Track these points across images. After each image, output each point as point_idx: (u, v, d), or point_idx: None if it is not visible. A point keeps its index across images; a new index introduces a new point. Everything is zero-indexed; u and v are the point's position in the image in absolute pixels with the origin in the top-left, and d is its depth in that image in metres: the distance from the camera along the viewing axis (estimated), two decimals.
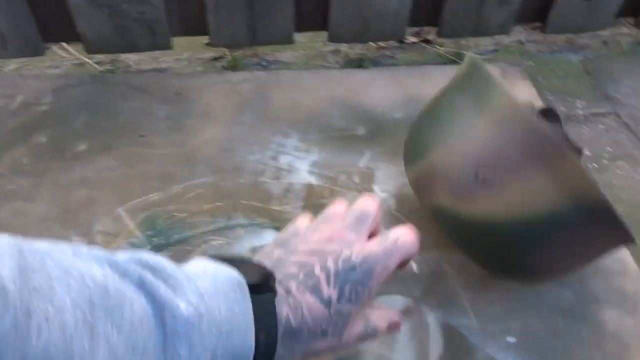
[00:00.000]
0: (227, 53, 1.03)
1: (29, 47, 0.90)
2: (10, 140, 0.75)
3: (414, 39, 1.13)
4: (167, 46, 0.92)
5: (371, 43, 1.10)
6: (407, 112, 0.85)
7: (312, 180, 0.72)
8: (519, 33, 1.18)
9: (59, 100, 0.83)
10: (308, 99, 0.87)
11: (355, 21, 0.95)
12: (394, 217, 0.68)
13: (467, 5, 0.98)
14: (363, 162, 0.76)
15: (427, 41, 1.13)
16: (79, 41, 0.92)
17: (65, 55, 1.04)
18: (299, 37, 0.99)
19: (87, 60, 1.03)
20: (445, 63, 1.08)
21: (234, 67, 1.00)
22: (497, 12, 1.00)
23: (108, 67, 1.01)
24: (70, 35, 0.91)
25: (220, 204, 0.67)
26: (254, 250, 0.62)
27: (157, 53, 1.00)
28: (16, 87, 0.85)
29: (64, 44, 1.05)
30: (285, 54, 1.05)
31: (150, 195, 0.67)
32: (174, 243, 0.62)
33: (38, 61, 1.01)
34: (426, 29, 1.14)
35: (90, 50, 0.91)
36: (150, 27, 0.90)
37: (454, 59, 1.08)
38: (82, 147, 0.75)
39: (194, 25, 0.94)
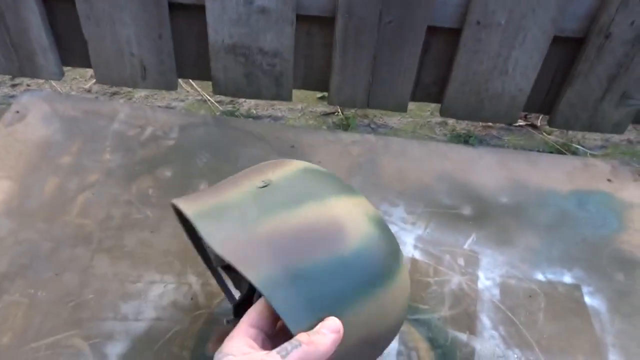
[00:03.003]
0: (339, 111, 1.06)
1: (165, 81, 0.97)
2: (138, 170, 0.81)
3: (520, 122, 1.13)
4: (288, 97, 0.97)
5: None
6: (513, 198, 0.85)
7: (417, 255, 0.73)
8: (628, 131, 1.16)
9: (185, 137, 0.88)
10: (416, 170, 0.88)
11: (471, 100, 0.96)
12: (496, 308, 0.67)
13: (585, 100, 0.97)
14: (468, 244, 0.75)
15: (533, 126, 1.13)
16: (208, 80, 0.98)
17: (190, 91, 1.12)
18: (410, 104, 1.01)
19: (209, 98, 1.10)
20: (551, 151, 1.06)
21: (345, 126, 1.03)
22: (615, 111, 0.98)
23: (228, 107, 1.07)
24: (202, 74, 0.98)
25: None
26: None
27: (274, 101, 1.05)
28: (147, 119, 0.92)
29: (192, 81, 1.13)
30: (394, 119, 1.08)
31: None
32: None
33: (166, 92, 1.09)
34: (534, 114, 1.13)
35: (218, 91, 0.98)
36: (277, 78, 0.95)
37: (561, 149, 1.07)
38: (202, 186, 0.79)
39: (315, 81, 0.98)
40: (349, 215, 0.45)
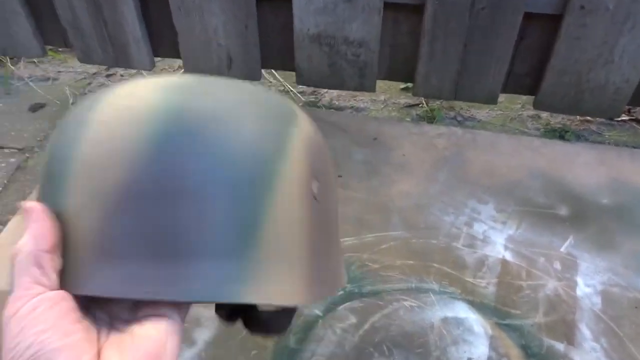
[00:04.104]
0: (423, 102, 1.03)
1: (249, 72, 0.98)
2: None
3: (624, 116, 1.04)
4: (371, 88, 0.95)
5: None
6: (615, 198, 0.78)
7: (508, 256, 0.69)
8: None
9: None
10: (506, 166, 0.83)
11: (569, 92, 0.89)
12: (597, 318, 0.62)
13: None
14: (565, 247, 0.70)
15: (638, 121, 1.04)
16: (291, 71, 0.98)
17: (273, 81, 1.12)
18: (500, 96, 0.95)
19: (292, 89, 1.10)
20: None
21: (430, 118, 1.00)
22: None
23: (310, 98, 1.07)
24: (285, 65, 0.98)
25: (412, 262, 0.67)
26: (445, 321, 0.60)
27: (357, 91, 1.03)
28: None
29: (274, 72, 1.13)
30: (482, 111, 1.03)
31: (346, 238, 0.69)
32: (367, 294, 0.62)
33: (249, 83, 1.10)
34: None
35: (301, 81, 0.97)
36: (361, 69, 0.93)
37: None
38: None
39: (400, 72, 0.95)
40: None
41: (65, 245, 0.30)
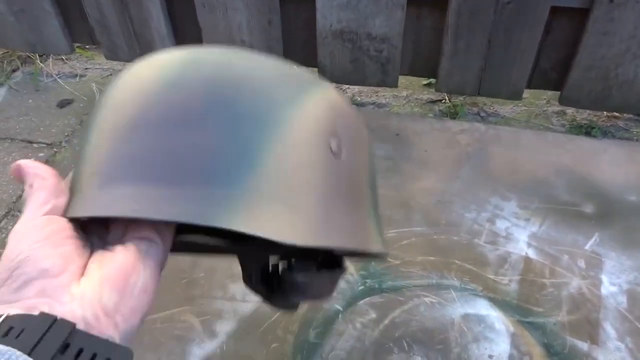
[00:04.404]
0: (446, 98, 1.02)
1: None
2: None
3: None
4: (393, 84, 0.94)
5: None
6: None
7: (531, 253, 0.68)
8: None
9: None
10: (530, 162, 0.82)
11: (596, 87, 0.87)
12: (623, 318, 0.61)
13: None
14: (590, 245, 0.69)
15: None
16: (314, 67, 0.98)
17: None
18: (524, 92, 0.94)
19: None
20: None
21: (453, 114, 0.99)
22: None
23: None
24: (307, 61, 0.98)
25: (433, 258, 0.66)
26: (465, 317, 0.60)
27: (379, 87, 1.03)
28: None
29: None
30: (505, 107, 1.01)
31: None
32: (387, 290, 0.62)
33: None
34: None
35: (323, 77, 0.97)
36: (384, 64, 0.93)
37: None
38: None
39: (422, 67, 0.95)
40: None
41: (74, 181, 0.34)
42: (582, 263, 0.66)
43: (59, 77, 1.15)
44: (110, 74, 1.18)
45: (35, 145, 0.96)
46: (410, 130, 0.88)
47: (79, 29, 1.05)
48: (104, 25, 0.99)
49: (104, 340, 0.28)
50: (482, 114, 1.00)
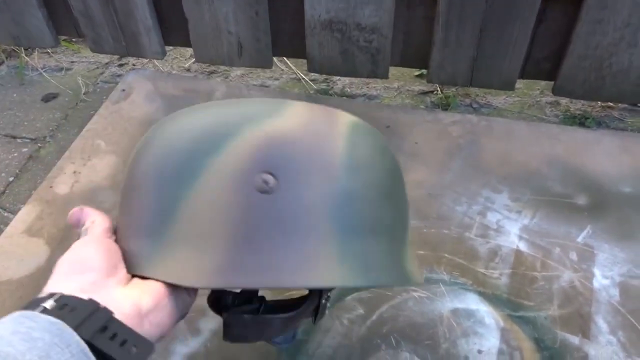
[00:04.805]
0: (438, 89, 1.00)
1: (260, 59, 0.97)
2: None
3: None
4: (384, 75, 0.93)
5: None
6: (637, 188, 0.75)
7: (522, 246, 0.67)
8: None
9: None
10: (522, 154, 0.81)
11: (590, 77, 0.86)
12: (615, 311, 0.60)
13: None
14: (582, 238, 0.68)
15: None
16: (303, 58, 0.96)
17: (284, 69, 1.11)
18: (517, 82, 0.93)
19: (303, 77, 1.08)
20: None
21: (444, 105, 0.97)
22: None
23: (322, 85, 1.05)
24: (296, 52, 0.96)
25: (422, 252, 0.65)
26: (455, 312, 0.59)
27: (369, 79, 1.01)
28: (243, 97, 0.92)
29: (286, 59, 1.12)
30: (498, 98, 1.00)
31: None
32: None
33: (261, 71, 1.09)
34: None
35: (312, 69, 0.96)
36: (374, 55, 0.91)
37: None
38: None
39: (413, 58, 0.93)
40: None
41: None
42: (574, 256, 0.65)
43: (44, 71, 1.13)
44: (97, 67, 1.16)
45: (19, 140, 0.95)
46: (401, 122, 0.87)
47: (64, 22, 1.03)
48: (88, 17, 0.97)
49: (134, 331, 0.34)
50: (475, 105, 0.98)
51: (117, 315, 0.33)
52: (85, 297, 0.33)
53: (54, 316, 0.31)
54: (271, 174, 0.36)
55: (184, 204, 0.37)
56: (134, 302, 0.35)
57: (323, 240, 0.36)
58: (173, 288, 0.37)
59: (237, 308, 0.44)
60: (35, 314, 0.31)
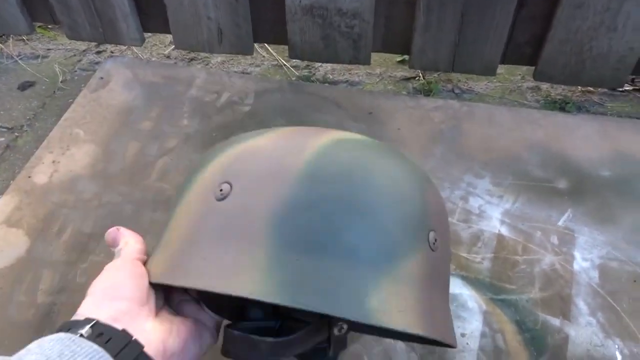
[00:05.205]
0: (420, 75, 1.00)
1: (241, 46, 0.96)
2: (215, 136, 0.80)
3: (627, 86, 1.01)
4: (366, 61, 0.92)
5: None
6: (616, 171, 0.76)
7: (504, 230, 0.67)
8: None
9: (260, 103, 0.87)
10: (504, 139, 0.81)
11: (570, 61, 0.86)
12: (595, 293, 0.60)
13: None
14: (563, 221, 0.68)
15: None
16: (284, 45, 0.95)
17: (266, 56, 1.10)
18: (499, 67, 0.93)
19: (285, 63, 1.07)
20: None
21: (427, 91, 0.97)
22: None
23: (304, 72, 1.04)
24: (277, 39, 0.95)
25: None
26: None
27: (351, 65, 1.01)
28: (223, 84, 0.91)
29: (267, 46, 1.11)
30: (480, 84, 1.00)
31: None
32: None
33: (242, 57, 1.08)
34: None
35: (294, 55, 0.95)
36: (355, 41, 0.90)
37: None
38: None
39: (395, 44, 0.93)
40: None
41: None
42: (555, 239, 0.66)
43: (20, 59, 1.11)
44: (74, 55, 1.14)
45: None
46: (384, 108, 0.87)
47: (38, 8, 1.00)
48: (64, 3, 0.95)
49: None
50: (457, 91, 0.98)
51: (147, 349, 0.36)
52: (119, 327, 0.35)
53: (96, 344, 0.33)
54: (229, 183, 0.38)
55: (173, 214, 0.42)
56: (161, 340, 0.37)
57: (256, 248, 0.35)
58: (198, 330, 0.41)
59: (240, 323, 0.42)
60: (80, 339, 0.33)
